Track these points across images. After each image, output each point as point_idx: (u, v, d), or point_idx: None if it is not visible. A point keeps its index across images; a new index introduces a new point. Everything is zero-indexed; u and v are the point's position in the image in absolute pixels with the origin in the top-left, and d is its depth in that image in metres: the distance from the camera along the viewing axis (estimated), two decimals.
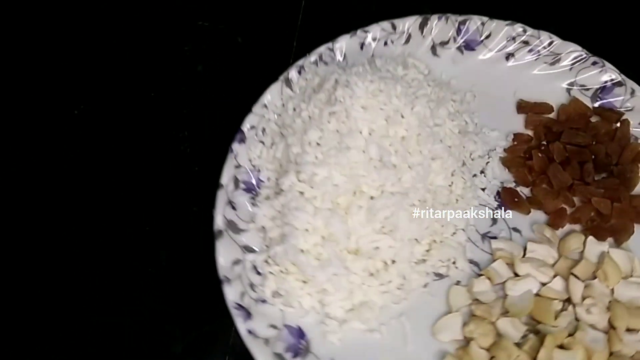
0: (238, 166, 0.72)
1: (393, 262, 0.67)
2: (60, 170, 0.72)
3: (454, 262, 0.69)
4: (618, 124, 0.78)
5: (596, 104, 0.79)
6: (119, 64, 0.81)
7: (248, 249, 0.68)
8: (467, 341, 0.65)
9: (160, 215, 0.74)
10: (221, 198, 0.69)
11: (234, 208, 0.69)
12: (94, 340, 0.64)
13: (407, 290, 0.67)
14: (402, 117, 0.68)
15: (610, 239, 0.71)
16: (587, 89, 0.80)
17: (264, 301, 0.65)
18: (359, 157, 0.66)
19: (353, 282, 0.65)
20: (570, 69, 0.81)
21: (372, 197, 0.66)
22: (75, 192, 0.72)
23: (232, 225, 0.68)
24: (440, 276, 0.69)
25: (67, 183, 0.72)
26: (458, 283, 0.69)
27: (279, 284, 0.65)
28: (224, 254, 0.66)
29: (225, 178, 0.71)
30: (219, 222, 0.68)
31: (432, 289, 0.68)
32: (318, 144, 0.68)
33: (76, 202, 0.71)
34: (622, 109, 0.78)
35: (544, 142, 0.77)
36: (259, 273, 0.66)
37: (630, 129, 0.77)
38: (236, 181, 0.71)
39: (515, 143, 0.78)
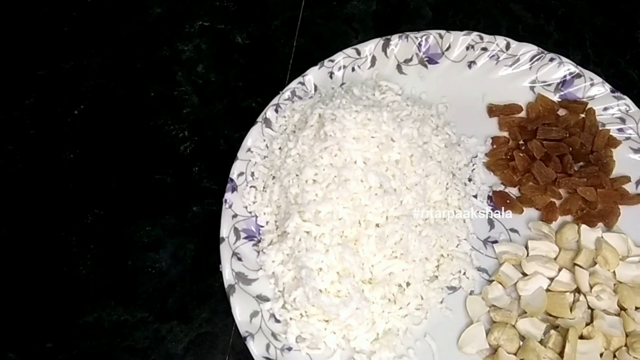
0: (235, 215, 0.70)
1: (408, 284, 0.68)
2: (60, 170, 0.73)
3: (464, 273, 0.70)
4: (584, 114, 0.82)
5: (560, 98, 0.83)
6: (119, 63, 0.81)
7: (262, 298, 0.66)
8: (494, 349, 0.66)
9: (161, 215, 0.73)
10: (225, 251, 0.68)
11: (239, 259, 0.68)
12: (94, 340, 0.64)
13: (426, 309, 0.68)
14: (393, 141, 0.68)
15: (601, 224, 0.74)
16: (549, 84, 0.84)
17: (289, 349, 0.64)
18: (358, 187, 0.66)
19: (374, 311, 0.65)
20: (530, 67, 0.84)
21: (377, 225, 0.67)
22: (75, 191, 0.72)
23: (241, 277, 0.67)
24: (453, 289, 0.70)
25: (67, 183, 0.72)
26: (472, 293, 0.70)
27: (302, 328, 0.64)
28: (241, 309, 0.64)
29: (225, 230, 0.69)
30: (228, 276, 0.66)
31: (448, 303, 0.69)
32: (315, 180, 0.68)
33: (76, 202, 0.71)
34: (584, 99, 0.82)
35: (521, 142, 0.80)
36: (277, 320, 0.65)
37: (596, 116, 0.81)
38: (236, 231, 0.69)
39: (495, 146, 0.80)
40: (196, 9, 0.88)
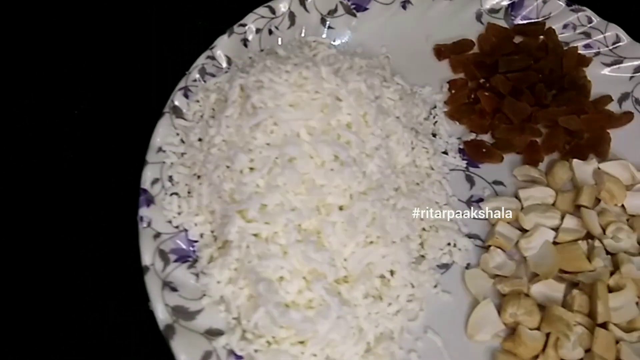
0: (157, 235, 0.54)
1: (392, 273, 0.54)
2: (61, 170, 0.71)
3: (454, 245, 0.58)
4: (543, 36, 0.71)
5: (514, 23, 0.72)
6: (119, 64, 0.80)
7: (212, 333, 0.51)
8: (511, 329, 0.53)
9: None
10: (152, 283, 0.52)
11: (174, 289, 0.52)
12: (94, 340, 0.61)
13: (419, 298, 0.55)
14: (339, 100, 0.55)
15: (593, 156, 0.63)
16: (497, 11, 0.73)
17: None
18: (308, 165, 0.52)
19: (359, 316, 0.51)
20: None
21: (341, 207, 0.53)
22: (75, 191, 0.70)
23: (181, 312, 0.51)
24: (446, 267, 0.58)
25: (67, 183, 0.70)
26: (468, 266, 0.58)
27: (273, 359, 0.49)
28: (188, 354, 0.48)
29: (147, 257, 0.53)
30: (162, 315, 0.50)
31: (444, 285, 0.56)
32: (252, 168, 0.53)
33: (76, 202, 0.69)
34: (540, 19, 0.72)
35: (482, 80, 0.68)
36: (239, 357, 0.50)
37: (557, 35, 0.70)
38: (163, 254, 0.53)
39: (453, 91, 0.69)
40: (196, 9, 0.86)
